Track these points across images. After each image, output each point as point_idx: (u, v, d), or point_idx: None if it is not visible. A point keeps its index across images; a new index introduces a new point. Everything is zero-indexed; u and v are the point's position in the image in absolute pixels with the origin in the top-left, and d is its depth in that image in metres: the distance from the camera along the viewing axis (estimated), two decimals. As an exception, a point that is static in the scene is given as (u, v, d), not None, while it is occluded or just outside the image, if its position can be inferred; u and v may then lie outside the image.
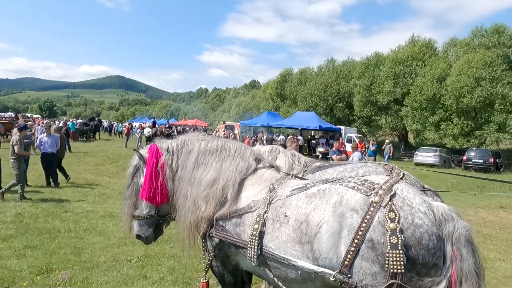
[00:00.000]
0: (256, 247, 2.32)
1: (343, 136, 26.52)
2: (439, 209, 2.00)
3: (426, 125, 27.98)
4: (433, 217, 1.96)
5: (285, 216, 2.30)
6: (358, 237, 1.95)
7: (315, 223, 2.14)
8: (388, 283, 1.90)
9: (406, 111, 29.30)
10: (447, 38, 35.29)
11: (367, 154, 18.36)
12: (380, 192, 2.02)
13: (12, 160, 7.81)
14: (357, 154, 10.99)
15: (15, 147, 7.80)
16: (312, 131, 28.74)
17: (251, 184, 2.68)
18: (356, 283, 1.98)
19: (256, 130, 30.38)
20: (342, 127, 27.26)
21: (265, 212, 2.38)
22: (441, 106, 26.89)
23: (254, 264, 2.37)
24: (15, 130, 9.09)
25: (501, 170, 22.05)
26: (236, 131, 36.55)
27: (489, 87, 23.60)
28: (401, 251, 1.85)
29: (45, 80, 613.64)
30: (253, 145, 25.09)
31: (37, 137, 10.15)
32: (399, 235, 1.87)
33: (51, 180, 9.75)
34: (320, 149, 22.81)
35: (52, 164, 9.73)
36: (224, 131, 39.20)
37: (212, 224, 2.58)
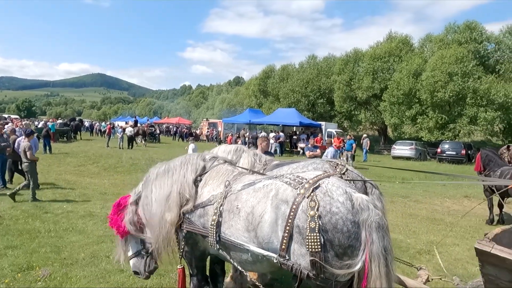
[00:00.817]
0: (215, 235, 2.71)
1: (323, 132, 27.15)
2: (358, 199, 2.35)
3: (403, 119, 28.90)
4: (351, 206, 2.32)
5: (237, 208, 2.68)
6: (289, 224, 2.34)
7: (258, 214, 2.52)
8: (307, 259, 2.29)
9: (384, 106, 30.16)
10: (424, 34, 36.13)
11: (345, 149, 18.94)
12: (306, 185, 2.41)
13: (25, 164, 8.42)
14: (331, 149, 11.49)
15: (28, 153, 8.35)
16: (294, 127, 29.27)
17: (210, 179, 3.07)
18: (293, 264, 2.37)
19: (239, 128, 30.67)
20: (323, 123, 27.86)
21: (221, 205, 2.75)
22: (417, 100, 27.84)
23: (215, 249, 2.77)
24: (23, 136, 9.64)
25: (473, 161, 23.08)
26: (220, 129, 36.77)
27: (461, 81, 24.60)
28: (318, 234, 2.23)
29: (22, 79, 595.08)
30: (236, 142, 25.43)
31: (15, 140, 10.16)
32: (317, 221, 2.25)
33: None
34: (301, 144, 23.33)
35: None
36: (207, 128, 39.41)
37: (181, 218, 2.96)
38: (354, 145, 19.63)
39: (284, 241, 2.37)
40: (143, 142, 25.74)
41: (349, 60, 34.50)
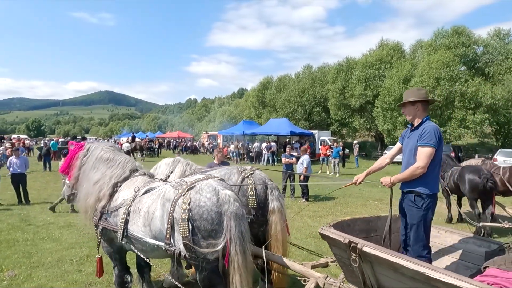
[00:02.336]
0: (122, 231, 3.36)
1: (317, 140, 27.72)
2: (222, 195, 3.00)
3: (396, 124, 29.31)
4: (216, 200, 2.98)
5: (138, 208, 3.34)
6: (170, 217, 3.00)
7: (151, 212, 3.18)
8: (181, 243, 2.93)
9: (377, 112, 30.64)
10: (414, 40, 36.67)
11: (331, 156, 19.43)
12: (184, 186, 3.09)
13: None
14: (305, 157, 12.07)
15: None
16: (289, 136, 29.91)
17: (126, 187, 3.72)
18: (175, 250, 3.01)
19: (238, 139, 31.45)
20: (315, 131, 28.45)
21: (129, 206, 3.41)
22: (408, 105, 28.22)
23: (123, 242, 3.42)
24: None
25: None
26: (219, 141, 37.59)
27: (448, 86, 25.02)
28: (187, 222, 2.90)
29: (32, 100, 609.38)
30: (232, 154, 26.06)
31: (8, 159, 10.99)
32: (187, 212, 2.92)
33: (22, 198, 10.61)
34: (293, 153, 23.88)
35: (22, 183, 10.61)
36: (207, 141, 40.29)
37: (100, 216, 3.62)
38: (341, 152, 20.12)
39: (168, 231, 3.03)
40: (140, 156, 26.61)
41: (342, 69, 35.17)
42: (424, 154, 3.08)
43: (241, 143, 26.62)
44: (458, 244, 3.64)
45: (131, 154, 24.23)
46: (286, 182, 12.10)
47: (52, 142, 26.13)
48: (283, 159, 12.90)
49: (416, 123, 3.31)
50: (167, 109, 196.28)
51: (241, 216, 2.96)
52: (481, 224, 4.40)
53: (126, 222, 3.37)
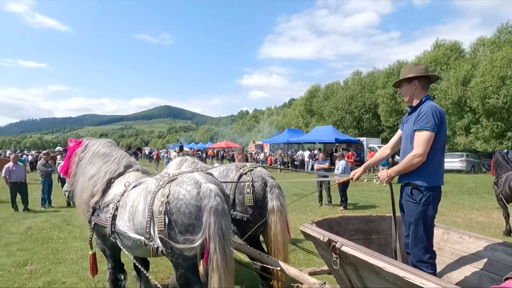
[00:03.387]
0: (110, 226, 3.30)
1: (365, 147, 26.39)
2: (204, 189, 2.80)
3: (455, 129, 26.90)
4: (196, 193, 2.79)
5: (125, 203, 3.26)
6: (149, 210, 2.87)
7: (136, 205, 3.09)
8: (157, 237, 2.77)
9: (433, 117, 28.42)
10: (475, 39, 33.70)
11: (379, 164, 18.30)
12: (165, 179, 2.95)
13: None
14: (342, 162, 11.47)
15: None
16: (337, 144, 28.89)
17: (119, 183, 3.68)
18: (153, 245, 2.87)
19: (282, 147, 31.18)
20: (363, 138, 27.11)
21: (118, 201, 3.35)
22: (468, 109, 25.82)
23: (112, 238, 3.34)
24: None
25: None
26: (266, 150, 37.67)
27: (515, 85, 22.42)
28: (163, 216, 2.74)
29: (101, 116, 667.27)
30: (275, 162, 25.83)
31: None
32: (165, 205, 2.77)
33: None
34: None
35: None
36: (253, 150, 40.54)
37: (92, 212, 3.61)
38: (390, 159, 18.87)
39: (147, 224, 2.90)
40: (188, 165, 27.42)
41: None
42: (421, 140, 2.61)
43: (283, 151, 26.26)
44: (484, 252, 3.03)
45: (178, 162, 25.12)
46: (321, 188, 11.57)
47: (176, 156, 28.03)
48: (316, 165, 12.38)
49: (414, 104, 2.85)
50: (220, 121, 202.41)
51: (221, 211, 2.73)
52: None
53: (114, 217, 3.29)
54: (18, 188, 10.49)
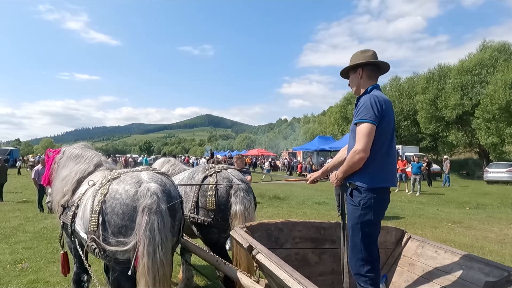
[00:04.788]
0: (70, 225, 3.27)
1: (402, 155, 24.99)
2: (142, 188, 2.68)
3: (504, 137, 24.64)
4: (133, 193, 2.67)
5: (82, 201, 3.22)
6: (91, 209, 2.79)
7: (86, 204, 3.03)
8: (89, 238, 2.66)
9: (478, 123, 26.31)
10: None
11: (411, 173, 17.21)
12: (109, 177, 2.91)
13: None
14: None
15: None
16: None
17: (86, 181, 3.66)
18: (88, 243, 2.78)
19: (311, 155, 30.51)
20: (399, 146, 25.71)
21: (80, 199, 3.32)
22: (518, 114, 23.58)
23: (72, 237, 3.30)
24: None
25: None
26: (299, 157, 37.14)
27: None
28: (97, 215, 2.65)
29: (147, 124, 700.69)
30: (305, 169, 25.27)
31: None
32: (101, 204, 2.69)
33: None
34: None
35: None
36: (286, 158, 40.16)
37: (62, 211, 3.61)
38: (424, 168, 17.69)
39: (89, 223, 2.81)
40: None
41: (433, 78, 31.46)
42: (361, 134, 2.31)
43: (313, 159, 25.60)
44: (458, 270, 2.59)
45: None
46: (339, 199, 11.03)
47: (144, 158, 29.14)
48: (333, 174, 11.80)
49: (360, 94, 2.52)
50: (258, 129, 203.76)
51: (155, 211, 2.56)
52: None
53: (74, 215, 3.26)
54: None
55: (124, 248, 2.57)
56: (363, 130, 2.29)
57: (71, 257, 3.78)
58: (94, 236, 2.66)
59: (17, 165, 31.04)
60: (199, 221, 3.64)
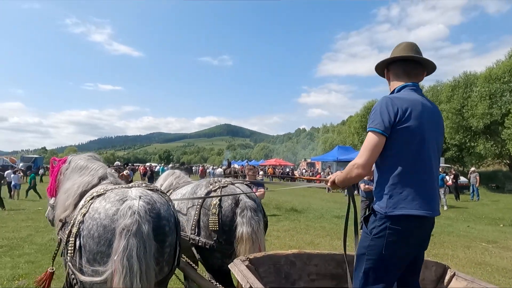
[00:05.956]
0: (65, 243, 2.90)
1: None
2: (123, 207, 2.26)
3: (537, 149, 23.17)
4: (113, 212, 2.26)
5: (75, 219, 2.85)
6: (71, 231, 2.41)
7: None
8: (66, 266, 2.27)
9: (508, 134, 24.89)
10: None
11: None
12: (89, 197, 2.53)
13: None
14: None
15: None
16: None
17: (88, 196, 3.31)
18: (68, 271, 2.40)
19: (330, 165, 29.71)
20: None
21: (75, 216, 2.96)
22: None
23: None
24: None
25: None
26: (318, 167, 36.35)
27: None
28: (73, 239, 2.29)
29: (167, 134, 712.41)
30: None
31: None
32: (79, 225, 2.31)
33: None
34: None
35: None
36: (304, 168, 39.41)
37: (61, 227, 3.26)
38: (447, 179, 16.70)
39: (67, 249, 2.43)
40: (234, 182, 27.38)
41: (459, 86, 30.21)
42: (364, 145, 1.92)
43: (331, 170, 24.84)
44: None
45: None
46: (365, 213, 10.37)
47: (161, 167, 29.13)
48: (362, 185, 11.15)
49: None
50: (277, 139, 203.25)
51: (137, 234, 2.13)
52: None
53: (70, 234, 2.91)
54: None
55: (99, 279, 2.14)
56: (366, 141, 1.90)
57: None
58: (70, 264, 2.26)
59: (39, 172, 31.75)
60: (199, 244, 3.18)
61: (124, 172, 17.11)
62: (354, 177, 1.93)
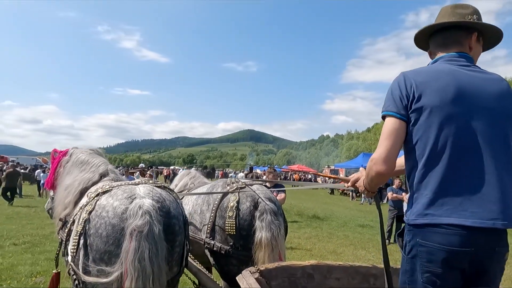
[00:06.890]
0: (65, 242, 2.79)
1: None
2: (133, 205, 2.13)
3: None
4: (122, 211, 2.13)
5: (76, 216, 2.73)
6: (75, 229, 2.29)
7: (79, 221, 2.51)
8: (68, 265, 2.14)
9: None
10: None
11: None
12: (100, 190, 2.41)
13: None
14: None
15: None
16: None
17: (87, 193, 3.19)
18: (69, 270, 2.27)
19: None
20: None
21: (75, 215, 2.84)
22: None
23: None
24: None
25: None
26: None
27: None
28: (77, 237, 2.18)
29: (191, 138, 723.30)
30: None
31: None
32: (84, 224, 2.18)
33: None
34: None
35: None
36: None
37: (61, 226, 3.16)
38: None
39: (71, 247, 2.33)
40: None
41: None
42: (381, 135, 1.52)
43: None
44: None
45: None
46: (391, 224, 9.90)
47: (183, 170, 29.38)
48: (389, 194, 10.69)
49: None
50: (300, 145, 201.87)
51: (148, 235, 2.00)
52: None
53: (70, 232, 2.80)
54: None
55: (106, 280, 2.01)
56: (383, 129, 1.51)
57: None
58: (72, 263, 2.12)
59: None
60: (215, 248, 2.97)
61: (147, 174, 17.45)
62: (375, 176, 1.51)
